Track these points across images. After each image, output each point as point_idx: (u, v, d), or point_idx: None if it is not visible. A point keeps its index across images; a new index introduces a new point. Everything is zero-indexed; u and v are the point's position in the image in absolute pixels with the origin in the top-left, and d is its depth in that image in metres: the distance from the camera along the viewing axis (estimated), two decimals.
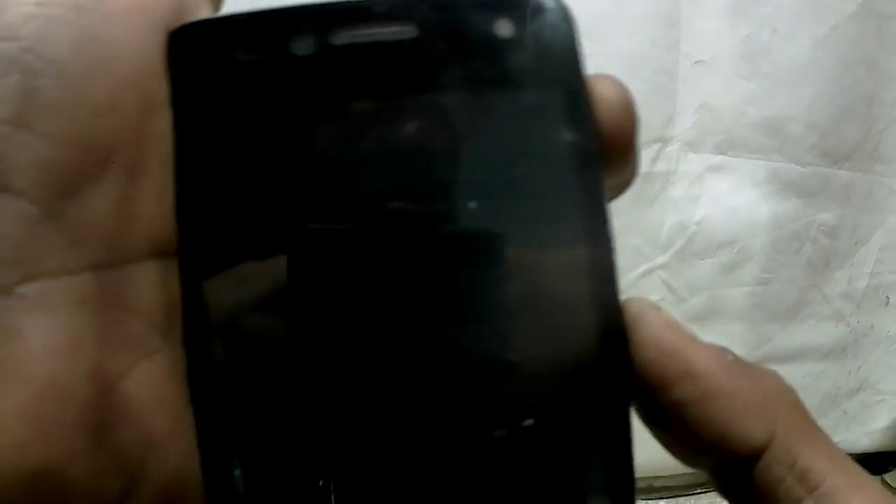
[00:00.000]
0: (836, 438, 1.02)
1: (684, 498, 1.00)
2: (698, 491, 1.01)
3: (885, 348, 0.96)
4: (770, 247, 0.88)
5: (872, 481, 0.16)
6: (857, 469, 0.16)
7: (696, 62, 0.82)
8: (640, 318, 0.15)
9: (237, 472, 0.15)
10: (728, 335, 0.92)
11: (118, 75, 0.14)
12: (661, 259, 0.88)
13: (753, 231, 0.87)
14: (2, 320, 0.13)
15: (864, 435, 0.99)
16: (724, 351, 0.16)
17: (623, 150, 0.16)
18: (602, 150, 0.16)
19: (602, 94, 0.16)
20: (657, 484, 1.00)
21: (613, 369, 0.15)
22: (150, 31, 0.15)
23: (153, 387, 0.15)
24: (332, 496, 0.15)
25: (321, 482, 0.15)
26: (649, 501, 0.99)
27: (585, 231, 0.15)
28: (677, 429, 0.15)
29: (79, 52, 0.14)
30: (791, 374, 0.97)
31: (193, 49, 0.15)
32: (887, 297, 0.94)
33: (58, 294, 0.14)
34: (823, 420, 0.97)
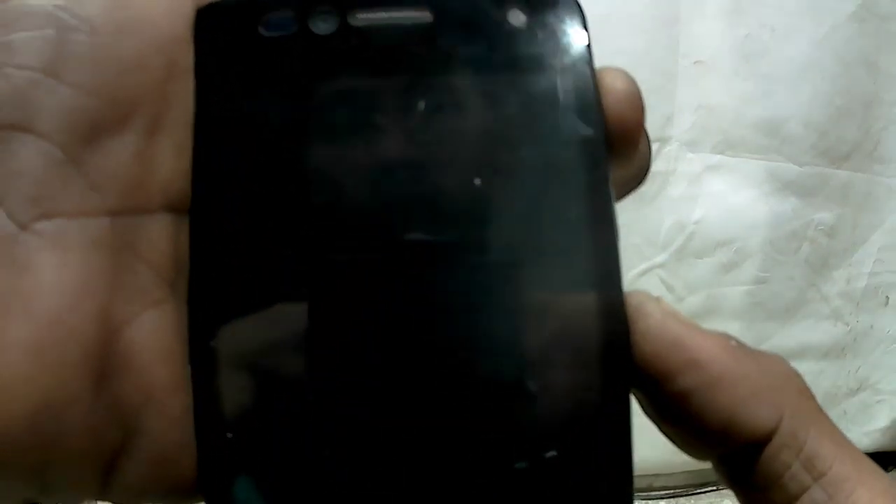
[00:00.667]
0: None
1: (684, 498, 1.00)
2: (698, 491, 1.01)
3: (885, 348, 0.96)
4: (768, 246, 0.88)
5: (879, 470, 0.15)
6: (864, 457, 0.15)
7: (694, 62, 0.82)
8: (641, 311, 0.15)
9: (230, 440, 0.15)
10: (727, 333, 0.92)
11: (145, 37, 0.15)
12: (660, 258, 0.88)
13: (752, 230, 0.87)
14: (16, 253, 0.14)
15: (864, 435, 0.99)
16: (727, 337, 0.16)
17: (630, 140, 0.16)
18: (609, 139, 0.16)
19: (610, 84, 0.16)
20: (657, 484, 1.00)
21: (616, 366, 0.15)
22: (177, 1, 0.16)
23: (157, 337, 0.15)
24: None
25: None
26: (649, 501, 0.99)
27: (591, 222, 0.15)
28: (684, 419, 0.15)
29: (110, 13, 0.15)
30: None
31: (218, 25, 0.16)
32: (887, 296, 0.94)
33: (72, 234, 0.14)
34: None
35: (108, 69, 0.15)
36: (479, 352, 0.15)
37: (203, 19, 0.16)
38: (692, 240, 0.87)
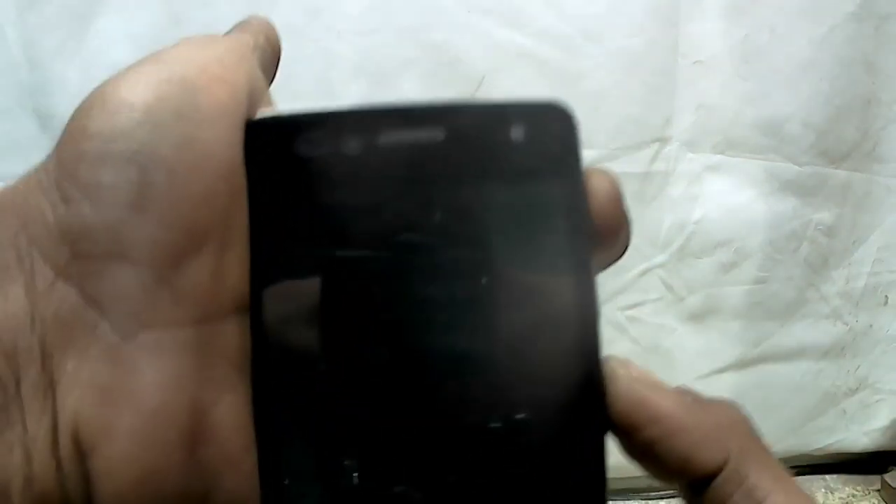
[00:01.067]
0: (834, 437, 1.02)
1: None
2: None
3: (885, 347, 0.96)
4: (768, 246, 0.88)
5: (811, 500, 0.19)
6: (799, 490, 0.19)
7: (694, 62, 0.82)
8: (612, 376, 0.19)
9: (287, 486, 0.18)
10: (726, 333, 0.92)
11: (212, 170, 0.18)
12: (660, 258, 0.88)
13: (751, 230, 0.87)
14: (125, 359, 0.17)
15: (864, 434, 0.99)
16: (683, 394, 0.19)
17: (612, 232, 0.19)
18: (594, 232, 0.19)
19: (596, 186, 0.19)
20: (657, 483, 1.00)
21: (594, 413, 0.18)
22: (233, 130, 0.18)
23: (235, 415, 0.18)
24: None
25: (345, 468, 0.18)
26: (649, 502, 0.99)
27: (576, 300, 0.18)
28: (650, 460, 0.19)
29: (181, 152, 0.17)
30: (789, 372, 0.97)
31: (262, 143, 0.19)
32: (886, 296, 0.94)
33: (166, 341, 0.17)
34: (822, 419, 0.98)
35: (184, 204, 0.17)
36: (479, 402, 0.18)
37: (250, 135, 0.18)
38: (692, 240, 0.87)
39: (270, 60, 0.22)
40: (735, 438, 0.19)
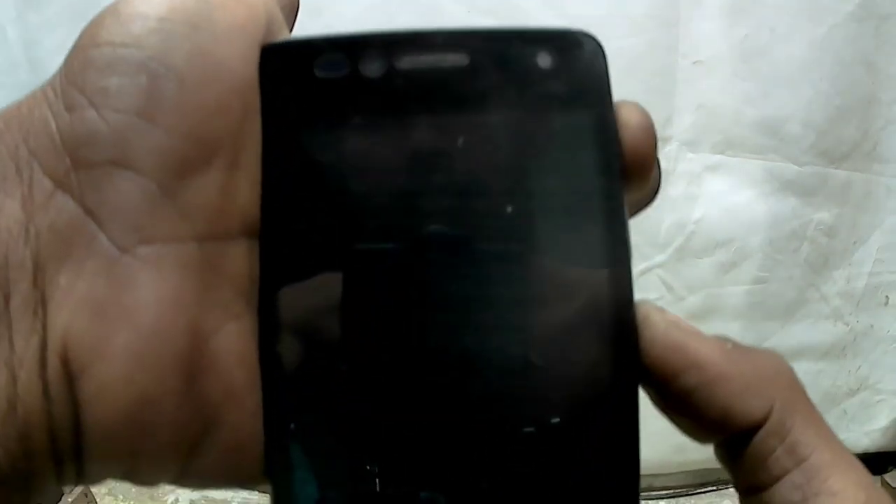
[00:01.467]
0: None
1: (684, 498, 1.01)
2: (698, 491, 1.01)
3: (885, 348, 0.96)
4: (768, 246, 0.88)
5: (857, 462, 0.17)
6: (845, 449, 0.17)
7: (694, 63, 0.82)
8: (647, 321, 0.17)
9: (293, 432, 0.17)
10: (726, 333, 0.92)
11: (225, 84, 0.17)
12: (660, 258, 0.88)
13: (751, 230, 0.87)
14: (119, 273, 0.16)
15: (864, 435, 0.99)
16: (724, 340, 0.18)
17: (643, 168, 0.18)
18: (625, 168, 0.18)
19: (626, 118, 0.18)
20: (657, 483, 1.00)
21: (626, 368, 0.17)
22: (249, 48, 0.18)
23: (237, 345, 0.17)
24: (377, 478, 0.17)
25: (367, 466, 0.17)
26: (649, 501, 0.99)
27: (607, 242, 0.17)
28: (687, 412, 0.17)
29: (193, 62, 0.17)
30: None
31: (279, 64, 0.18)
32: (887, 296, 0.94)
33: (167, 257, 0.16)
34: None
35: (195, 114, 0.17)
36: (499, 350, 0.17)
37: (266, 57, 0.18)
38: (692, 239, 0.87)
39: (290, 8, 0.21)
40: (779, 389, 0.17)
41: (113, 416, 0.16)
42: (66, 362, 0.16)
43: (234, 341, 0.17)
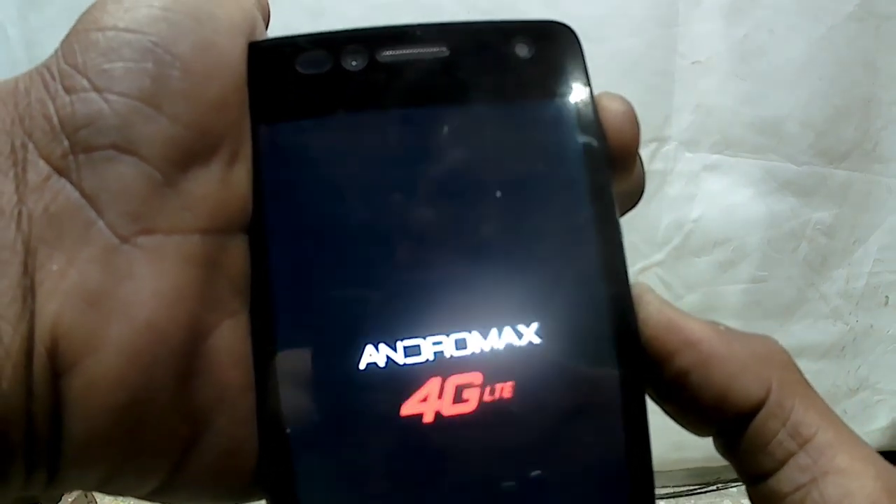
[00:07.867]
0: None
1: (685, 498, 1.00)
2: (698, 491, 1.01)
3: (885, 348, 0.96)
4: (766, 245, 0.88)
5: (860, 438, 0.17)
6: (846, 425, 0.17)
7: (693, 62, 0.82)
8: (641, 300, 0.17)
9: (289, 438, 0.16)
10: None
11: (227, 78, 0.17)
12: (658, 257, 0.88)
13: (749, 229, 0.87)
14: (118, 263, 0.15)
15: (864, 435, 0.98)
16: (716, 323, 0.18)
17: (627, 154, 0.18)
18: (609, 154, 0.18)
19: (607, 105, 0.18)
20: (657, 483, 1.00)
21: (630, 350, 0.17)
22: (245, 46, 0.18)
23: (233, 344, 0.16)
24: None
25: (369, 479, 0.17)
26: None
27: (598, 226, 0.17)
28: (683, 396, 0.17)
29: (198, 54, 0.16)
30: None
31: (263, 62, 0.18)
32: (887, 296, 0.94)
33: (169, 249, 0.16)
34: None
35: (200, 105, 0.16)
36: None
37: (252, 55, 0.18)
38: (690, 238, 0.87)
39: (265, 14, 0.21)
40: (775, 370, 0.17)
41: (100, 418, 0.15)
42: (54, 356, 0.15)
43: (230, 340, 0.16)
